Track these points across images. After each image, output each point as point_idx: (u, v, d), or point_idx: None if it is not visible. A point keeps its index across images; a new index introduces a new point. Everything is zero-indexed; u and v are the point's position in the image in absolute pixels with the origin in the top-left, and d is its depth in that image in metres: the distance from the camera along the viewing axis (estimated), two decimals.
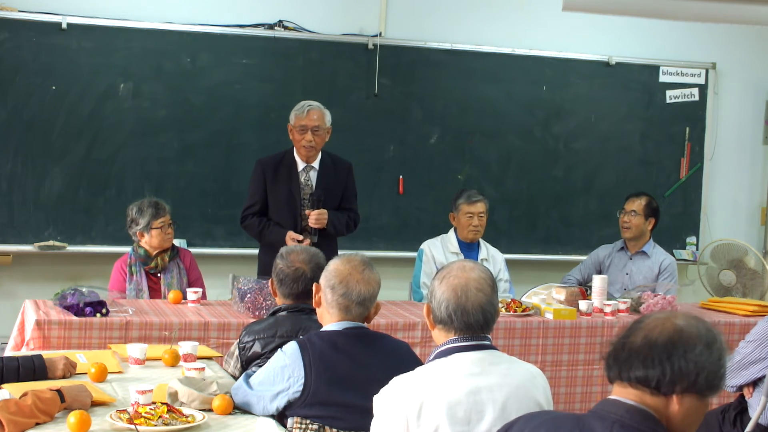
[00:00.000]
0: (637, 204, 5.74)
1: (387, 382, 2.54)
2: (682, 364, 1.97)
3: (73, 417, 2.64)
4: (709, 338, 2.00)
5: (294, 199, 5.12)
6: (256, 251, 5.35)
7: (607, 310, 4.94)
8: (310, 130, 5.05)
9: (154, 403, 2.84)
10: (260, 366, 3.17)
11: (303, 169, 5.16)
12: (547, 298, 5.01)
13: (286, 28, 6.27)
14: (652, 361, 1.98)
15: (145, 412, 2.75)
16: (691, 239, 7.06)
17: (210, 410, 2.96)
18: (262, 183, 5.15)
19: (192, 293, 4.64)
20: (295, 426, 2.93)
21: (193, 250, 5.44)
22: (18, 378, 3.09)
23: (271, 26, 6.24)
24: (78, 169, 5.93)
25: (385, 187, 6.48)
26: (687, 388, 1.97)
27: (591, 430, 2.02)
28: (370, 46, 6.36)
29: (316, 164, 5.17)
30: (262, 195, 5.15)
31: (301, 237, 5.01)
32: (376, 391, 2.54)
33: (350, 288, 3.00)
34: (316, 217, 5.03)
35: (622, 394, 2.03)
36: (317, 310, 3.13)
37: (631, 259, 5.79)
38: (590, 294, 5.08)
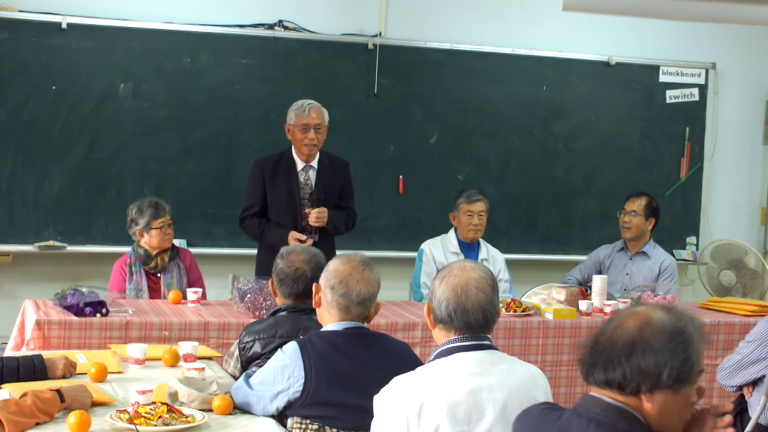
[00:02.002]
0: (638, 204, 5.74)
1: (387, 382, 2.54)
2: (642, 365, 1.94)
3: (73, 417, 2.64)
4: (673, 331, 1.96)
5: (294, 198, 5.11)
6: (255, 251, 5.35)
7: (607, 310, 4.94)
8: (312, 129, 5.06)
9: (154, 403, 2.84)
10: (260, 366, 3.17)
11: (302, 168, 5.16)
12: (547, 298, 5.01)
13: (286, 28, 6.27)
14: (612, 363, 1.96)
15: (145, 412, 2.75)
16: (691, 239, 7.06)
17: (210, 410, 2.96)
18: (261, 183, 5.14)
19: (192, 293, 4.64)
20: (295, 426, 2.93)
21: (193, 250, 5.44)
22: (18, 378, 3.09)
23: (271, 26, 6.24)
24: (78, 169, 5.93)
25: (385, 187, 6.48)
26: (653, 386, 1.95)
27: (568, 429, 2.02)
28: (370, 46, 6.36)
29: (314, 163, 5.17)
30: (261, 196, 5.13)
31: (304, 237, 5.00)
32: (376, 391, 2.54)
33: (350, 288, 3.00)
34: (316, 216, 5.03)
35: (600, 391, 2.02)
36: (317, 310, 3.13)
37: (631, 259, 5.79)
38: (590, 294, 5.08)
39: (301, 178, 5.15)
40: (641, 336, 1.96)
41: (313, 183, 5.15)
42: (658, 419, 1.97)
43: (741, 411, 3.86)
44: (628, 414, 1.97)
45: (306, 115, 5.06)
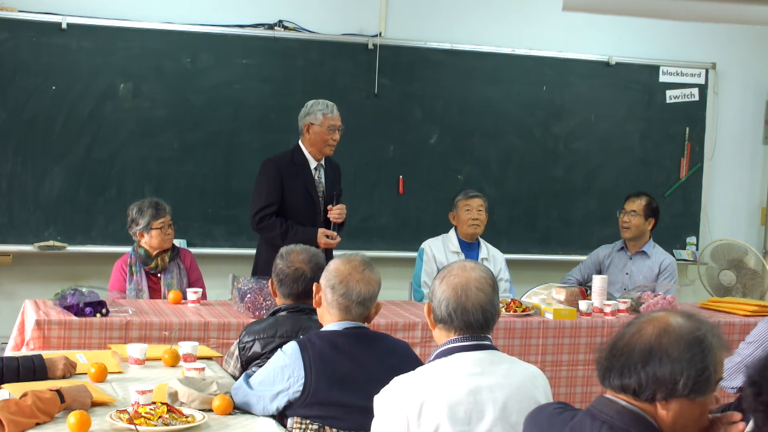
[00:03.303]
0: (637, 204, 5.74)
1: (387, 382, 2.54)
2: (658, 372, 1.92)
3: (73, 417, 2.64)
4: (692, 340, 1.94)
5: (311, 197, 5.12)
6: (255, 251, 5.34)
7: (607, 310, 4.93)
8: (337, 130, 5.09)
9: (154, 403, 2.84)
10: (260, 366, 3.17)
11: (315, 167, 5.17)
12: (547, 298, 5.01)
13: (286, 28, 6.27)
14: (628, 369, 1.95)
15: (145, 412, 2.75)
16: (691, 239, 7.06)
17: (210, 410, 2.96)
18: (279, 182, 5.09)
19: (192, 293, 4.64)
20: (295, 426, 2.93)
21: (193, 250, 5.44)
22: (18, 378, 3.09)
23: (271, 26, 6.24)
24: (78, 169, 5.93)
25: (385, 187, 6.48)
26: (668, 394, 1.93)
27: (580, 430, 2.02)
28: (370, 46, 6.36)
29: (322, 162, 5.20)
30: (279, 195, 5.08)
31: (334, 233, 5.04)
32: (376, 391, 2.54)
33: (350, 288, 3.00)
34: (339, 212, 5.06)
35: (615, 394, 2.01)
36: (317, 310, 3.13)
37: (631, 259, 5.79)
38: (590, 294, 5.08)
39: (315, 177, 5.16)
40: (659, 343, 1.94)
41: (324, 181, 5.17)
42: (673, 426, 1.96)
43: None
44: (642, 419, 1.96)
45: (334, 117, 5.11)
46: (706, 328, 1.98)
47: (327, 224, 5.10)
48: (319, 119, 5.09)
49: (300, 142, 5.18)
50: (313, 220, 5.10)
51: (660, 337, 1.95)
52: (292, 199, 5.11)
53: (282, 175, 5.10)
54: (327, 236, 5.04)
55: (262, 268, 4.92)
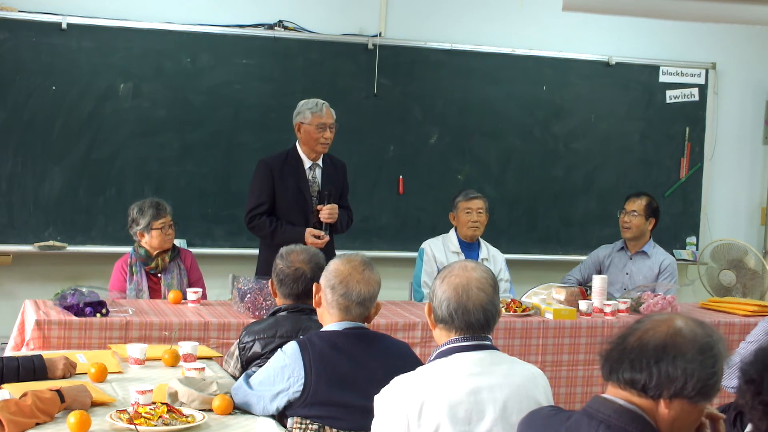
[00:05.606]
0: (638, 204, 5.74)
1: (387, 382, 2.54)
2: (670, 370, 1.94)
3: (73, 417, 2.64)
4: (705, 344, 1.97)
5: (303, 196, 5.11)
6: (256, 251, 5.35)
7: (607, 310, 4.94)
8: (328, 128, 5.07)
9: (154, 403, 2.84)
10: (260, 366, 3.17)
11: (309, 167, 5.17)
12: (547, 298, 5.01)
13: (286, 28, 6.27)
14: (640, 363, 1.96)
15: (145, 412, 2.75)
16: (691, 239, 7.06)
17: (210, 410, 2.96)
18: (270, 182, 5.10)
19: (192, 293, 4.64)
20: (295, 426, 2.93)
21: (193, 250, 5.44)
22: (18, 378, 3.10)
23: (271, 26, 6.24)
24: (78, 169, 5.93)
25: (385, 187, 6.48)
26: (675, 393, 1.95)
27: (577, 430, 2.02)
28: (370, 46, 6.36)
29: (320, 162, 5.19)
30: (270, 194, 5.10)
31: (321, 233, 5.00)
32: (376, 391, 2.54)
33: (350, 288, 3.00)
34: (329, 212, 5.04)
35: (614, 393, 2.02)
36: (317, 310, 3.13)
37: (631, 259, 5.79)
38: (590, 294, 5.08)
39: (309, 176, 5.16)
40: (674, 342, 1.96)
41: (320, 181, 5.16)
42: (671, 426, 1.97)
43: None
44: (640, 418, 1.97)
45: (324, 115, 5.08)
46: (716, 336, 2.01)
47: (319, 224, 5.10)
48: (308, 118, 5.09)
49: (297, 142, 5.19)
50: (305, 220, 5.09)
51: (675, 337, 1.97)
52: (283, 199, 5.11)
53: (273, 174, 5.11)
54: (315, 236, 5.00)
55: (262, 269, 4.92)
